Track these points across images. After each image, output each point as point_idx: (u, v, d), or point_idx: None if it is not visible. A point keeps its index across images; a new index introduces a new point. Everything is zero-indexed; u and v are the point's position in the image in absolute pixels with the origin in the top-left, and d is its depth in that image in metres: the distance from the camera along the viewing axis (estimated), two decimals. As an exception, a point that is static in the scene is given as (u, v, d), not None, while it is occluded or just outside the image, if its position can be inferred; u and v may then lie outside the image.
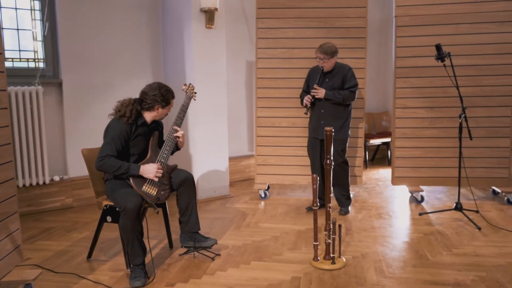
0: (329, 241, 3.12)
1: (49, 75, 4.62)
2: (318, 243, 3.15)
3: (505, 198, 4.56)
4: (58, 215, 4.41)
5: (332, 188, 4.37)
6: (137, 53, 5.08)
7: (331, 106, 4.21)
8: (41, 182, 4.41)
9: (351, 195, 4.80)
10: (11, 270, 2.78)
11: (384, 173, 6.28)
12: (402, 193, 5.11)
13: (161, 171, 3.03)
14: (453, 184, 4.78)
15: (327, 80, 4.23)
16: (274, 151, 4.94)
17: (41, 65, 4.60)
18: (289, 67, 4.84)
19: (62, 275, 3.01)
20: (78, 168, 4.71)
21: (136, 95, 5.06)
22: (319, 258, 3.13)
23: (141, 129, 3.11)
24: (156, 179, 3.00)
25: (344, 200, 4.41)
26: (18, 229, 2.88)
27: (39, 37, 4.58)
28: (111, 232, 3.71)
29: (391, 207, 4.59)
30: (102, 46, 4.83)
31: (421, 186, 4.82)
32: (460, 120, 4.04)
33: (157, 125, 3.26)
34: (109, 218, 3.13)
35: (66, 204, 4.63)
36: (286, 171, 4.96)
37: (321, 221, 3.98)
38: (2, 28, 4.34)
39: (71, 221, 4.22)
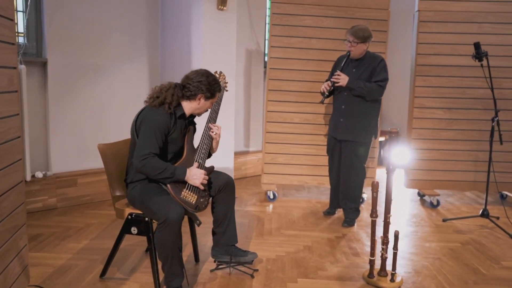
0: (386, 255, 2.79)
1: (31, 53, 3.91)
2: (374, 258, 2.80)
3: (519, 203, 4.49)
4: (42, 219, 3.75)
5: (340, 195, 3.99)
6: (132, 33, 4.47)
7: (353, 101, 3.71)
8: (21, 179, 3.72)
9: (365, 198, 4.53)
10: (20, 299, 2.19)
11: (379, 173, 6.06)
12: (411, 196, 4.90)
13: (207, 177, 2.54)
14: (468, 188, 4.69)
15: (353, 70, 3.72)
16: (283, 149, 4.54)
17: (21, 40, 3.88)
18: (305, 58, 4.44)
19: (77, 300, 2.45)
20: (63, 163, 4.10)
21: (130, 80, 4.51)
22: (374, 275, 2.80)
23: (179, 122, 2.60)
24: (202, 188, 2.51)
25: (352, 212, 3.90)
26: (26, 245, 2.29)
27: (20, 7, 3.85)
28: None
29: (408, 211, 4.36)
30: (94, 22, 4.18)
31: (436, 190, 4.63)
32: (493, 124, 3.85)
33: (192, 120, 2.76)
34: (134, 230, 2.59)
35: (49, 205, 3.97)
36: (295, 171, 4.58)
37: (329, 230, 3.74)
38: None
39: (61, 227, 3.59)
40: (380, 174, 5.88)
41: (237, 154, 5.38)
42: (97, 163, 4.17)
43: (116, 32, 4.33)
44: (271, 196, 4.53)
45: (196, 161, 2.60)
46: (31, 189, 3.84)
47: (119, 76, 4.40)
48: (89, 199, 4.19)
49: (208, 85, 2.56)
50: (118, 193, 2.75)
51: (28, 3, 3.79)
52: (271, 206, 4.40)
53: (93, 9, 4.15)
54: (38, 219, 3.72)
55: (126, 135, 3.98)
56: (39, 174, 3.88)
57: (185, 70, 4.33)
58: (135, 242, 3.23)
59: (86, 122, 4.22)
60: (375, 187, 2.75)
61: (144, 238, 3.12)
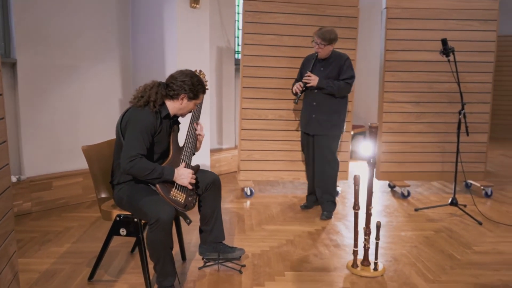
0: (369, 246, 2.91)
1: (-1, 53, 3.79)
2: (357, 248, 2.91)
3: (483, 191, 4.72)
4: (19, 224, 3.65)
5: (315, 188, 4.12)
6: (103, 32, 4.40)
7: (324, 98, 3.88)
8: (-6, 184, 3.60)
9: (339, 191, 4.66)
10: (11, 307, 2.15)
11: (352, 166, 6.23)
12: (382, 187, 5.07)
13: (195, 176, 2.56)
14: (436, 178, 4.90)
15: (321, 69, 3.89)
16: (259, 146, 4.60)
17: (-11, 40, 3.75)
18: (278, 55, 4.51)
19: (68, 305, 2.42)
20: (37, 166, 4.00)
21: (102, 80, 4.44)
22: (358, 265, 2.91)
23: (165, 122, 2.60)
24: (190, 187, 2.53)
25: (330, 205, 4.03)
26: (15, 251, 2.25)
27: (-13, 6, 3.72)
28: (101, 242, 3.12)
29: (381, 203, 4.51)
30: (64, 22, 4.09)
31: (406, 181, 4.82)
32: (460, 116, 4.04)
33: (177, 119, 2.76)
34: (123, 231, 2.59)
35: (24, 209, 3.86)
36: (271, 167, 4.65)
37: (308, 224, 3.84)
38: None
39: (39, 231, 3.51)
40: (352, 168, 6.05)
41: (211, 151, 5.39)
42: (72, 165, 4.14)
43: (86, 31, 4.25)
44: (248, 193, 4.58)
45: (182, 161, 2.62)
46: (5, 194, 3.73)
47: (90, 77, 4.33)
48: (64, 202, 4.11)
49: (192, 86, 2.58)
50: (103, 195, 2.73)
51: (-5, 2, 3.67)
52: (248, 202, 4.46)
53: (62, 8, 4.05)
54: (15, 225, 3.61)
55: (100, 135, 3.93)
56: (13, 179, 3.77)
57: (158, 69, 4.35)
58: (119, 244, 3.21)
59: (58, 123, 4.14)
60: (357, 180, 2.86)
61: (128, 239, 3.14)
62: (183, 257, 3.02)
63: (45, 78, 4.00)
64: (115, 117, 4.53)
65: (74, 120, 4.24)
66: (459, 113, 4.05)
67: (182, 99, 2.60)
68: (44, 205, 3.98)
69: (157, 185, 2.47)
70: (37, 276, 2.74)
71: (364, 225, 2.93)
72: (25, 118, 3.90)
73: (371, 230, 2.91)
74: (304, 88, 3.88)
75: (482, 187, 4.73)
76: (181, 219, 2.90)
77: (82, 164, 4.14)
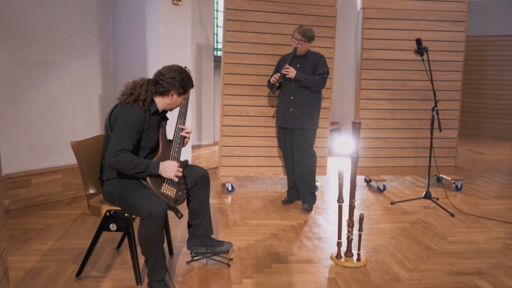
0: (352, 237, 3.02)
1: (-25, 48, 3.69)
2: (341, 240, 3.02)
3: (454, 185, 4.94)
4: (-2, 222, 3.57)
5: (295, 181, 4.23)
6: (83, 27, 4.34)
7: (301, 92, 4.04)
8: (-29, 182, 3.52)
9: (318, 185, 4.77)
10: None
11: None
12: (359, 182, 5.20)
13: (182, 169, 2.59)
14: (409, 173, 5.08)
15: (298, 65, 4.05)
16: (240, 142, 4.66)
17: (-36, 34, 3.66)
18: (259, 53, 4.58)
19: (59, 301, 2.41)
20: (15, 163, 3.92)
21: (82, 76, 4.39)
22: (342, 256, 3.01)
23: (153, 118, 2.62)
24: (176, 179, 2.56)
25: (311, 197, 4.17)
26: (6, 248, 2.23)
27: (-38, -2, 3.62)
28: (84, 239, 3.12)
29: (358, 197, 4.62)
30: (42, 16, 4.02)
31: (381, 176, 4.98)
32: (433, 113, 4.22)
33: (165, 115, 2.79)
34: (113, 226, 2.59)
35: (2, 207, 3.77)
36: (251, 163, 4.72)
37: (290, 218, 3.93)
38: None
39: (19, 229, 3.45)
40: (328, 163, 6.18)
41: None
42: (51, 161, 4.09)
43: (65, 26, 4.19)
44: (230, 188, 4.63)
45: (172, 156, 2.65)
46: (-18, 191, 3.64)
47: (70, 72, 4.27)
48: (43, 199, 4.04)
49: (181, 81, 2.61)
50: (91, 191, 2.72)
51: (-29, -5, 3.58)
52: (229, 198, 4.51)
53: (40, 2, 3.98)
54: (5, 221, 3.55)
55: (80, 131, 3.91)
56: (-10, 176, 3.68)
57: (139, 66, 4.34)
58: (105, 240, 3.20)
59: (37, 119, 4.07)
60: (341, 174, 2.95)
61: (114, 235, 3.16)
62: (171, 252, 3.05)
63: (23, 73, 3.92)
64: (95, 113, 4.50)
65: (53, 116, 4.17)
66: (432, 109, 4.22)
67: (172, 95, 2.63)
68: (23, 202, 3.90)
69: (148, 180, 2.49)
70: (22, 274, 2.71)
71: (347, 218, 3.04)
72: (2, 114, 3.81)
73: (354, 222, 3.02)
74: (281, 80, 4.02)
75: (452, 181, 4.95)
76: (169, 214, 2.93)
77: (61, 160, 4.12)
